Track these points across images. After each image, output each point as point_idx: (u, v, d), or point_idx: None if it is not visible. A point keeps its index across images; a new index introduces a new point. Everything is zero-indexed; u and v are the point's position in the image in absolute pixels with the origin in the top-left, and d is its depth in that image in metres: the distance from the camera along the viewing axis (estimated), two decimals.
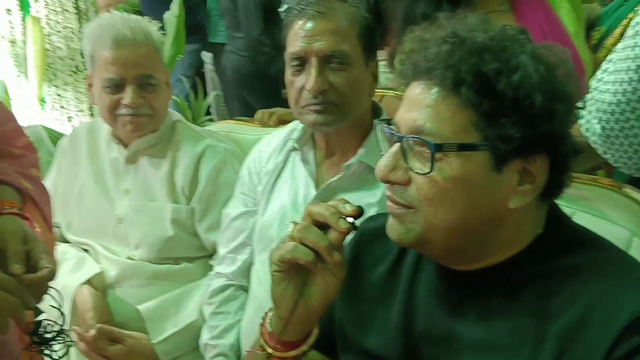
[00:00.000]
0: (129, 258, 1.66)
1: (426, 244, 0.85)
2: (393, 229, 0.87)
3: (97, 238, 1.70)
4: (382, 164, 0.86)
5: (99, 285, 1.62)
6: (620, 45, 1.09)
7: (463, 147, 0.80)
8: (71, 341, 1.11)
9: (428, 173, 0.81)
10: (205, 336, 1.53)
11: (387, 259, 1.00)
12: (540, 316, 0.81)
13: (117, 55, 1.57)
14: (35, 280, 0.97)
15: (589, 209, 1.29)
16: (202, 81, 4.34)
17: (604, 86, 1.10)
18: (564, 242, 0.87)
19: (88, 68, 1.67)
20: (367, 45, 1.38)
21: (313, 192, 1.42)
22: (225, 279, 1.55)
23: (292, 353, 0.93)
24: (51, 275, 0.99)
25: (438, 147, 0.80)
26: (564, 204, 1.30)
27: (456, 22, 0.87)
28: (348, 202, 0.87)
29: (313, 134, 1.47)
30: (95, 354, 1.56)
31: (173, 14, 2.72)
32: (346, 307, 1.01)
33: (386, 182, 0.86)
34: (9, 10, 2.63)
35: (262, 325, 0.97)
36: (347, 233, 0.86)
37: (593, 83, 1.14)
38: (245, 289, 1.54)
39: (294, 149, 1.48)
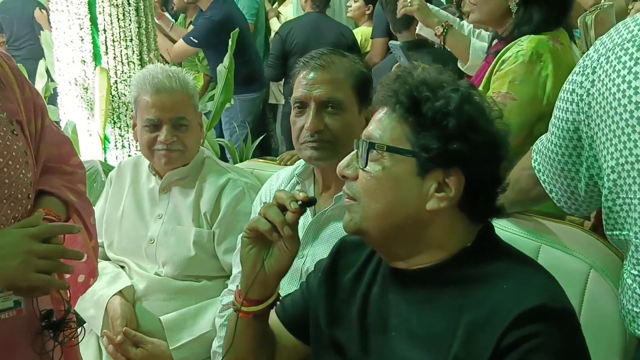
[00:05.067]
0: (156, 274, 1.89)
1: (365, 230, 1.07)
2: (344, 219, 1.10)
3: (131, 256, 1.95)
4: (342, 162, 1.11)
5: (129, 297, 1.86)
6: (561, 92, 1.22)
7: (390, 149, 1.04)
8: (76, 329, 1.30)
9: (364, 167, 1.05)
10: (214, 345, 1.73)
11: (357, 264, 1.21)
12: (459, 311, 1.00)
13: (155, 100, 1.85)
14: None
15: (553, 243, 1.42)
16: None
17: (552, 127, 1.23)
18: (487, 253, 1.06)
19: (133, 110, 1.96)
20: (361, 94, 1.59)
21: (310, 219, 1.61)
22: None
23: (254, 308, 1.17)
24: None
25: (371, 145, 1.05)
26: (531, 238, 1.45)
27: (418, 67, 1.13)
28: (303, 192, 1.13)
29: (314, 170, 1.67)
30: (120, 356, 1.79)
31: (224, 65, 3.04)
32: (323, 300, 1.22)
33: (342, 176, 1.10)
34: (84, 60, 3.02)
35: (238, 288, 1.19)
36: (297, 213, 1.10)
37: (550, 123, 1.27)
38: None
39: (297, 182, 1.69)
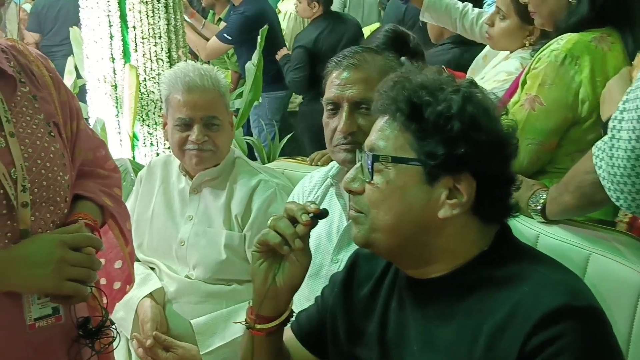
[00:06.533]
0: (187, 277, 1.86)
1: (373, 242, 1.03)
2: (352, 231, 1.07)
3: (162, 257, 1.92)
4: (347, 176, 1.06)
5: (159, 299, 1.84)
6: (631, 95, 1.15)
7: (395, 160, 1.00)
8: (114, 337, 1.26)
9: (370, 180, 1.00)
10: None
11: (372, 278, 1.15)
12: (478, 317, 0.96)
13: (187, 99, 1.82)
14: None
15: (604, 251, 1.35)
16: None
17: (619, 124, 1.16)
18: (506, 257, 1.01)
19: (163, 109, 1.93)
20: None
21: (345, 223, 1.56)
22: None
23: (267, 325, 1.12)
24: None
25: (375, 158, 1.00)
26: (580, 246, 1.38)
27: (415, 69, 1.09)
28: (314, 203, 1.08)
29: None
30: None
31: (252, 63, 3.00)
32: (341, 316, 1.17)
33: (348, 191, 1.06)
34: (112, 58, 3.01)
35: (249, 304, 1.16)
36: (308, 225, 1.06)
37: (610, 125, 1.20)
38: None
39: (331, 184, 1.64)
